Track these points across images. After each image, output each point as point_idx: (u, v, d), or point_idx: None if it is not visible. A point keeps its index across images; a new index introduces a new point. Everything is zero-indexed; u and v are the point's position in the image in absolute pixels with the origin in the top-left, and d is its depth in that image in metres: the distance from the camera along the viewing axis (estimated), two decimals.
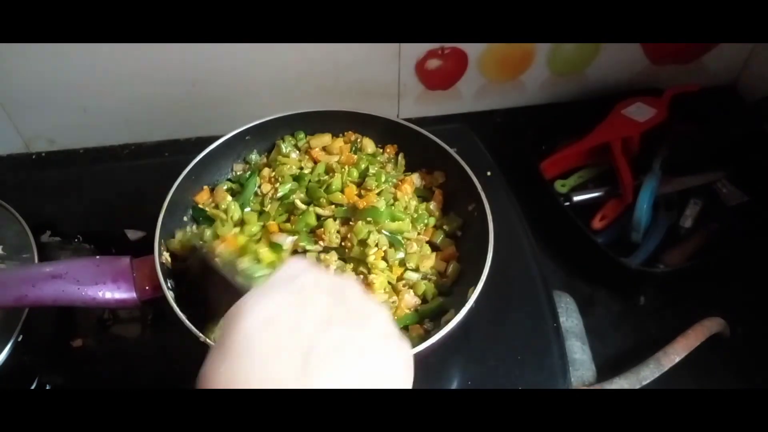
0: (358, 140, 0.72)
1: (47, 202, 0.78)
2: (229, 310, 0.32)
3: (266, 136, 0.72)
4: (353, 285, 0.37)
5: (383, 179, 0.66)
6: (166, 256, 0.61)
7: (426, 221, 0.66)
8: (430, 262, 0.63)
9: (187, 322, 0.55)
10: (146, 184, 0.67)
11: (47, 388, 0.64)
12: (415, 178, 0.69)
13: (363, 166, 0.68)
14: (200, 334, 0.54)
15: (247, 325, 0.30)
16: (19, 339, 0.60)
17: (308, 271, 0.36)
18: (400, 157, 0.72)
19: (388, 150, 0.72)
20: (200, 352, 0.53)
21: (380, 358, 0.33)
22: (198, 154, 0.67)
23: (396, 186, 0.68)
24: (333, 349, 0.31)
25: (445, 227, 0.66)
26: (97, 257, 0.60)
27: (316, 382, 0.30)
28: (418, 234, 0.65)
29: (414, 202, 0.67)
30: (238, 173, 0.71)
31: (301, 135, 0.72)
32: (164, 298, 0.57)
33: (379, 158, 0.71)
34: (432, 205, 0.67)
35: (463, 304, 0.55)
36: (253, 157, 0.71)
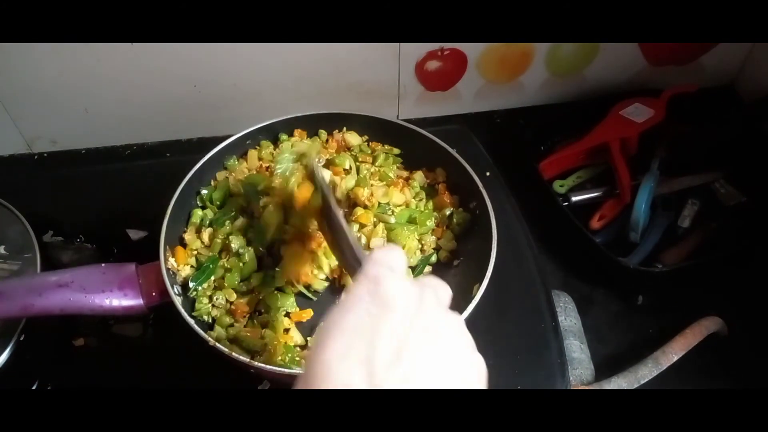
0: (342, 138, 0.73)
1: (49, 202, 0.78)
2: (314, 337, 0.36)
3: (269, 139, 0.73)
4: (429, 294, 0.38)
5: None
6: (172, 261, 0.62)
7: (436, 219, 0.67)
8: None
9: (195, 327, 0.56)
10: (148, 184, 0.67)
11: (49, 387, 0.64)
12: (419, 176, 0.70)
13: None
14: (209, 339, 0.55)
15: (326, 358, 0.33)
16: (21, 338, 0.60)
17: (384, 281, 0.37)
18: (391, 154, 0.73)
19: (377, 148, 0.73)
20: (203, 352, 0.54)
21: (452, 378, 0.35)
22: (199, 154, 0.68)
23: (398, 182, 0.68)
24: (403, 381, 0.33)
25: (455, 223, 0.67)
26: (103, 264, 0.60)
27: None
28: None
29: (422, 201, 0.68)
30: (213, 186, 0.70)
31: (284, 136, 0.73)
32: (170, 303, 0.57)
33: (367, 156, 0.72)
34: (438, 202, 0.68)
35: (469, 301, 0.56)
36: (232, 162, 0.71)
